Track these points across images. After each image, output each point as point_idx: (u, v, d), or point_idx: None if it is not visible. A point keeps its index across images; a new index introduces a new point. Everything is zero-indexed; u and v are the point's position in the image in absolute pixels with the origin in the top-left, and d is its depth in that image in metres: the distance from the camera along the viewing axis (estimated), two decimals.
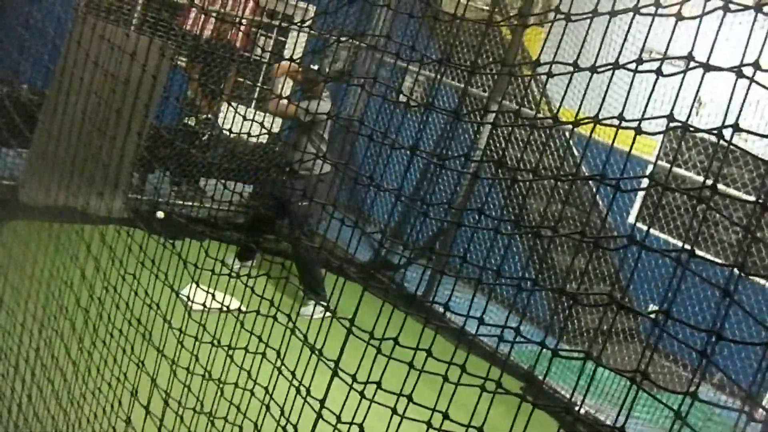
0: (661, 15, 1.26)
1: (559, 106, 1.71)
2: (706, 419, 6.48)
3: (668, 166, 7.30)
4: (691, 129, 1.13)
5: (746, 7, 1.17)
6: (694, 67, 1.17)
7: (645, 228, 7.73)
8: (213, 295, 2.46)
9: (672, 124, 1.24)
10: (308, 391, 2.01)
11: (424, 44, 8.33)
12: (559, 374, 6.40)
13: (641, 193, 7.97)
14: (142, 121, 6.24)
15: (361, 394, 1.84)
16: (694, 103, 1.28)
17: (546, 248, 7.54)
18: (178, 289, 2.66)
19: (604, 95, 1.52)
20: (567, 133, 7.92)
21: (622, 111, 1.42)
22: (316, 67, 6.40)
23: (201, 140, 7.57)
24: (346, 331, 1.91)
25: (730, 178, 7.22)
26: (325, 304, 6.09)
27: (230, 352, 2.40)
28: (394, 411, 1.74)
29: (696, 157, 7.48)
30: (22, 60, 6.58)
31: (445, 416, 1.62)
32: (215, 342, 2.45)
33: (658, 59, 1.37)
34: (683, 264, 1.16)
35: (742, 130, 1.09)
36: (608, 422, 5.90)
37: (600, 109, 1.51)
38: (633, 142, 1.32)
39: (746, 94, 1.08)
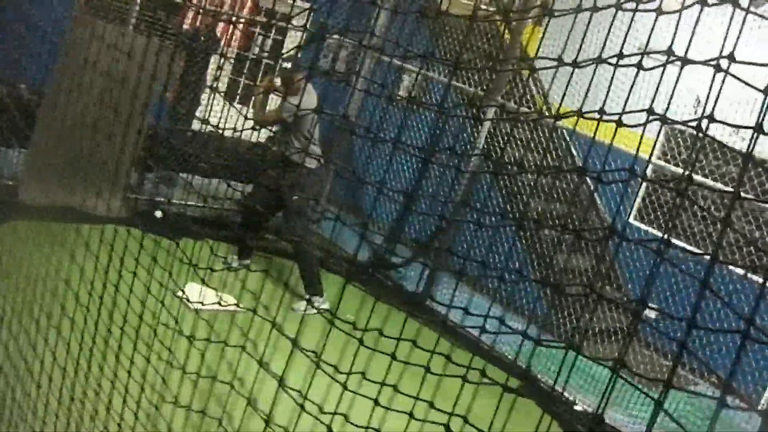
0: (642, 11, 1.27)
1: (543, 95, 1.73)
2: (705, 418, 6.48)
3: (665, 164, 7.29)
4: (669, 121, 1.14)
5: (722, 1, 1.18)
6: (672, 61, 1.18)
7: (644, 227, 7.74)
8: (214, 291, 2.48)
9: (652, 117, 1.25)
10: (279, 383, 2.02)
11: (422, 43, 8.36)
12: (560, 374, 6.39)
13: (641, 193, 7.98)
14: (141, 120, 6.26)
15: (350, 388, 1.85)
16: (671, 96, 1.29)
17: (540, 245, 7.56)
18: (175, 288, 2.68)
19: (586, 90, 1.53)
20: (567, 134, 7.92)
21: (603, 105, 1.43)
22: (288, 65, 6.41)
23: (188, 136, 7.60)
24: (341, 330, 1.92)
25: (728, 176, 7.23)
26: (320, 300, 6.13)
27: (222, 347, 2.41)
28: (378, 403, 1.75)
29: (695, 156, 7.47)
30: (22, 59, 6.59)
31: (431, 405, 1.63)
32: (200, 337, 2.47)
33: (639, 54, 1.38)
34: (661, 254, 1.17)
35: (717, 122, 1.10)
36: (605, 419, 5.90)
37: (581, 103, 1.52)
38: (615, 132, 1.33)
39: (720, 85, 1.09)
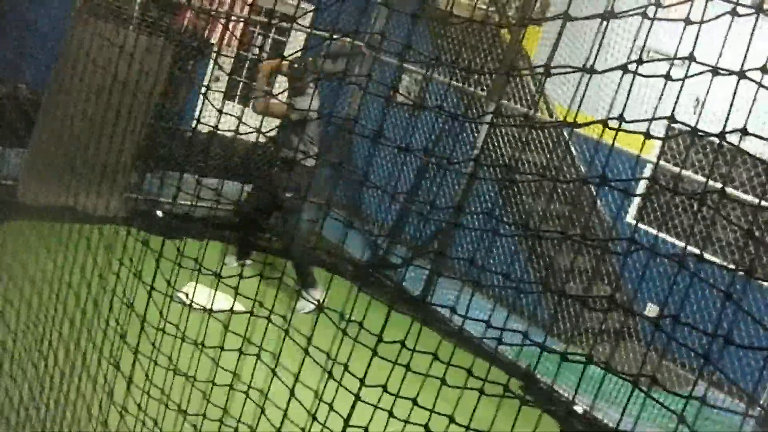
0: (668, 20, 1.26)
1: (541, 92, 1.72)
2: (704, 418, 6.48)
3: (667, 165, 7.29)
4: (700, 133, 1.13)
5: (755, 12, 1.16)
6: (701, 72, 1.17)
7: (644, 227, 7.74)
8: (215, 294, 2.46)
9: (675, 126, 1.24)
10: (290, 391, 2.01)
11: (423, 42, 8.34)
12: (558, 373, 6.39)
13: (640, 192, 7.96)
14: (141, 120, 6.23)
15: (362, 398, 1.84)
16: (677, 99, 1.28)
17: (539, 245, 7.55)
18: (175, 289, 2.66)
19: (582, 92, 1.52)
20: (566, 133, 7.91)
21: (623, 111, 1.42)
22: (298, 65, 6.36)
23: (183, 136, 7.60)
24: (339, 329, 1.91)
25: (728, 177, 7.23)
26: (318, 299, 6.09)
27: (221, 352, 2.40)
28: (391, 414, 1.74)
29: (694, 156, 7.48)
30: (22, 60, 6.56)
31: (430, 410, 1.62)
32: (198, 338, 2.45)
33: (658, 60, 1.37)
34: (686, 267, 1.16)
35: (748, 134, 1.08)
36: (606, 421, 5.90)
37: (578, 105, 1.51)
38: (615, 136, 1.32)
39: (734, 92, 1.08)
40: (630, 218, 7.99)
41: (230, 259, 6.66)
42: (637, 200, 8.00)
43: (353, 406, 1.87)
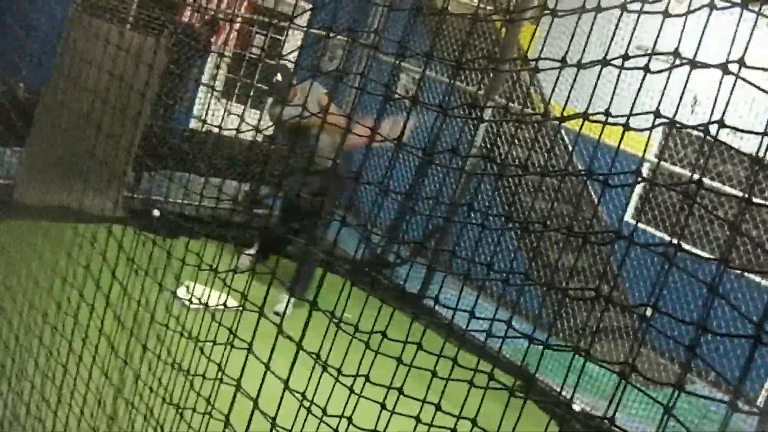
0: (648, 12, 1.26)
1: (549, 99, 1.72)
2: (702, 416, 6.50)
3: (663, 163, 7.30)
4: (678, 125, 1.13)
5: (733, 4, 1.17)
6: (681, 65, 1.18)
7: (642, 226, 7.75)
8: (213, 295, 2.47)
9: (659, 121, 1.25)
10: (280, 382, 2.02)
11: (421, 41, 8.35)
12: (556, 372, 6.41)
13: (638, 191, 7.98)
14: (138, 120, 6.23)
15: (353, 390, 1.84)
16: (680, 99, 1.29)
17: (537, 245, 7.56)
18: (173, 288, 2.67)
19: (593, 92, 1.53)
20: (557, 129, 7.91)
21: (609, 106, 1.43)
22: (278, 77, 6.18)
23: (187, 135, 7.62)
24: (331, 325, 1.92)
25: (726, 176, 7.24)
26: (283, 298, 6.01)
27: (223, 347, 2.40)
28: (383, 406, 1.75)
29: (692, 155, 7.49)
30: (19, 59, 6.58)
31: (438, 407, 1.63)
32: (202, 336, 2.46)
33: (644, 55, 1.37)
34: (669, 258, 1.17)
35: (727, 127, 1.09)
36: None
37: (589, 105, 1.52)
38: (621, 138, 1.33)
39: (732, 89, 1.09)
40: (628, 217, 8.00)
41: (243, 259, 6.58)
42: (634, 200, 8.01)
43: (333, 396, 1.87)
